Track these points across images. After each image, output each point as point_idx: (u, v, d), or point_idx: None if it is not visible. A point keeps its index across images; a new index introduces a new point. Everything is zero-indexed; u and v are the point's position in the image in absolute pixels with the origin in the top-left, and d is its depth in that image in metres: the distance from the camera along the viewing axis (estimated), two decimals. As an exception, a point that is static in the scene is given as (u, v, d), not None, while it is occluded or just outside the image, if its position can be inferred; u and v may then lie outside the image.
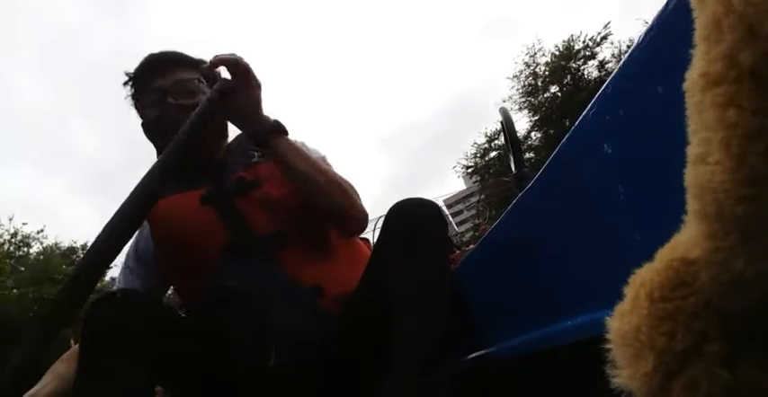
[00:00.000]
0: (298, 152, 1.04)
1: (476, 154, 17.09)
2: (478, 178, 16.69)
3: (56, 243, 18.00)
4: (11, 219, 17.33)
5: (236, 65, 0.98)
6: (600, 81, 15.04)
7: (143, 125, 1.17)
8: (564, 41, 16.12)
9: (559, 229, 0.65)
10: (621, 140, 0.49)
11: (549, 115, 15.77)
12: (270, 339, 0.93)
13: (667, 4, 0.40)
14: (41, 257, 17.34)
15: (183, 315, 1.08)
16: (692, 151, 0.27)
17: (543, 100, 16.26)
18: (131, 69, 1.17)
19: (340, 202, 1.04)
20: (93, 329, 0.84)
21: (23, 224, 18.94)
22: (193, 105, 1.07)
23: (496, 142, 16.66)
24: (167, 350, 0.91)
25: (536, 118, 16.64)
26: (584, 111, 0.53)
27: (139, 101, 1.17)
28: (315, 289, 1.00)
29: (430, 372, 0.78)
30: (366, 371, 0.95)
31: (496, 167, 16.38)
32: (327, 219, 1.09)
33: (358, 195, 1.09)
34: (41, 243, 17.86)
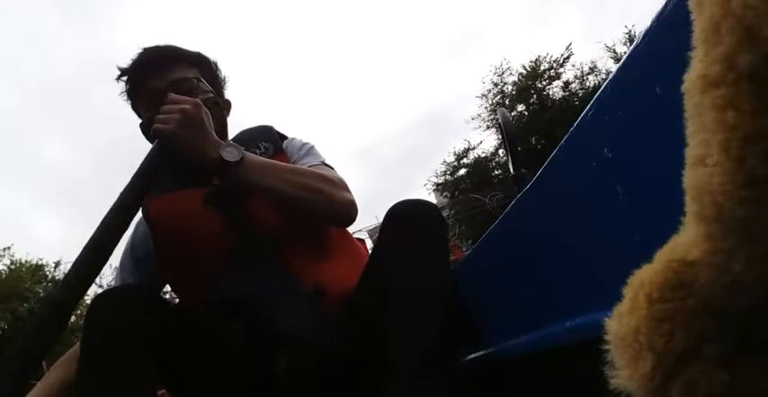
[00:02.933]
0: (260, 170, 0.98)
1: (445, 171, 17.42)
2: (448, 194, 16.98)
3: (21, 259, 17.15)
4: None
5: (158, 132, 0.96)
6: (564, 101, 15.37)
7: (141, 126, 1.14)
8: (531, 62, 16.49)
9: (558, 230, 0.65)
10: (620, 141, 0.49)
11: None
12: (281, 346, 0.92)
13: (666, 5, 0.40)
14: (9, 274, 16.71)
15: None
16: (690, 153, 0.27)
17: (511, 118, 16.47)
18: (116, 68, 1.12)
19: (316, 203, 1.00)
20: (96, 323, 0.83)
21: (-13, 242, 17.96)
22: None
23: (465, 160, 17.03)
24: (172, 351, 0.90)
25: (504, 135, 16.61)
26: (583, 112, 0.53)
27: (135, 101, 1.13)
28: (316, 291, 0.99)
29: (430, 373, 0.78)
30: (368, 373, 0.95)
31: (465, 184, 16.71)
32: (314, 219, 1.06)
33: (340, 185, 1.05)
34: (11, 260, 17.32)
